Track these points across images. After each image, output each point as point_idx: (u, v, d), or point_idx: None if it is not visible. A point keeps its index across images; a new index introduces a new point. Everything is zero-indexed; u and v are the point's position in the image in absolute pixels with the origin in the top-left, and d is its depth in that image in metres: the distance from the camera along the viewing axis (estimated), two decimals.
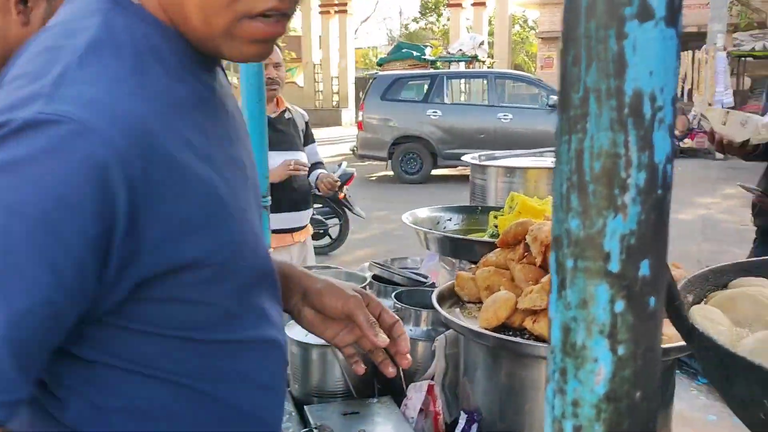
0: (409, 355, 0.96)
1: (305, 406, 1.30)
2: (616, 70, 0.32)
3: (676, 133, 14.55)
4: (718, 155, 13.75)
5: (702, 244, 6.74)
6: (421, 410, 1.25)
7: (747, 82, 17.60)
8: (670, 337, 1.02)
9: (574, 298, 0.35)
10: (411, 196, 9.88)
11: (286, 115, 3.12)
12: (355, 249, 7.12)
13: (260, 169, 2.01)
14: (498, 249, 1.32)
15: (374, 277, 1.64)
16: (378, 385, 1.38)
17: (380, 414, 1.27)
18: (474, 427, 1.15)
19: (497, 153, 2.16)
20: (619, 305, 0.34)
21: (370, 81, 12.22)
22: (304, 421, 1.29)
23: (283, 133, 3.02)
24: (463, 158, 2.20)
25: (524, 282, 1.20)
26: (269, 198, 2.00)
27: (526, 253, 1.26)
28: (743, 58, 16.44)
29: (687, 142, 14.81)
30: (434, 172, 11.86)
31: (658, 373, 0.36)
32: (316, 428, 1.20)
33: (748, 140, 1.98)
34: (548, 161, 2.20)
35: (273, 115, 3.03)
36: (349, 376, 1.35)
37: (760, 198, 1.97)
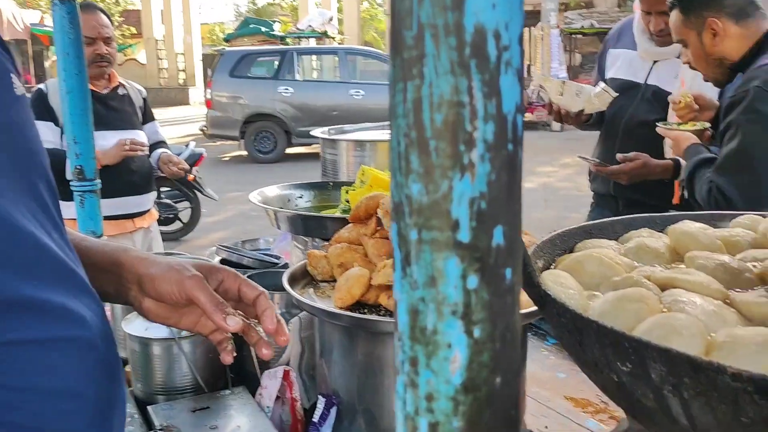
0: (285, 333, 0.86)
1: (149, 407, 1.19)
2: (453, 1, 0.27)
3: None
4: (555, 127, 14.75)
5: (545, 210, 7.18)
6: (277, 398, 1.19)
7: (578, 58, 18.92)
8: (523, 303, 1.02)
9: (421, 275, 0.30)
10: (266, 176, 9.66)
11: (120, 91, 2.86)
12: (209, 232, 6.85)
13: (84, 150, 1.81)
14: (350, 225, 1.27)
15: (222, 261, 1.54)
16: (231, 375, 1.29)
17: (233, 407, 1.19)
18: (333, 410, 1.10)
19: (347, 127, 2.11)
20: (473, 281, 0.29)
21: (218, 57, 11.76)
22: (148, 422, 1.17)
23: (116, 111, 2.78)
24: (312, 133, 2.13)
25: (377, 257, 1.17)
26: (98, 181, 1.82)
27: (378, 228, 1.22)
28: (574, 36, 17.60)
29: (527, 116, 15.72)
30: (289, 150, 11.69)
31: (518, 354, 0.32)
32: (161, 429, 1.10)
33: (582, 110, 2.07)
34: None
35: (105, 92, 2.78)
36: (197, 369, 1.25)
37: (597, 167, 2.09)
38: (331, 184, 1.77)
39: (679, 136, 1.80)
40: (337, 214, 1.51)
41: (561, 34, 16.00)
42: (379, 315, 1.08)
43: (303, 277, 1.24)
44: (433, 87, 0.28)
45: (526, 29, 16.06)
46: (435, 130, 0.28)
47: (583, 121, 2.20)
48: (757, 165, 1.57)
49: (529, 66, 16.26)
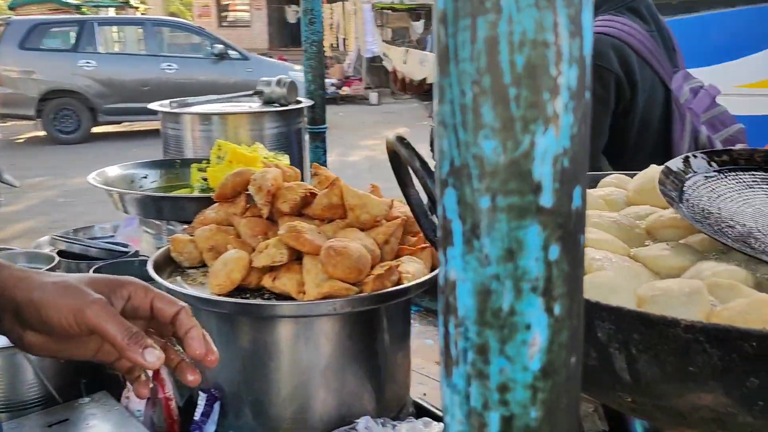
0: (214, 351, 0.70)
1: None
2: None
3: (335, 81, 15.51)
4: (373, 101, 15.06)
5: (372, 182, 7.31)
6: (147, 399, 1.07)
7: (389, 32, 19.42)
8: (414, 274, 1.01)
9: (495, 248, 0.25)
10: (72, 157, 8.83)
11: None
12: (10, 223, 6.12)
13: None
14: (216, 204, 1.17)
15: (60, 253, 1.35)
16: (84, 380, 1.14)
17: (97, 415, 1.06)
18: (216, 405, 1.01)
19: (190, 99, 1.96)
20: (554, 251, 0.25)
21: (3, 27, 10.44)
22: None
23: None
24: (150, 106, 1.95)
25: (252, 237, 1.08)
26: None
27: (249, 206, 1.14)
28: (385, 11, 18.01)
29: (345, 90, 15.88)
30: (95, 129, 10.76)
31: (583, 329, 0.29)
32: None
33: (425, 78, 2.10)
34: (246, 106, 2.07)
35: None
36: (47, 378, 1.09)
37: None
38: (179, 161, 1.63)
39: None
40: (196, 193, 1.39)
41: (373, 9, 16.30)
42: (264, 299, 1.00)
43: (167, 265, 1.13)
44: (513, 23, 0.23)
45: (339, 4, 16.16)
46: (515, 76, 0.24)
47: (425, 90, 2.23)
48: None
49: (344, 40, 16.40)
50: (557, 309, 0.26)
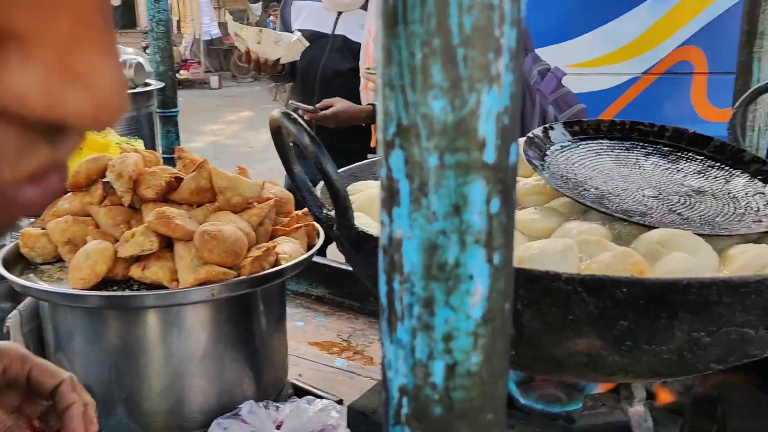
0: (94, 423, 0.68)
1: None
2: None
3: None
4: (213, 84, 14.57)
5: (219, 168, 7.10)
6: None
7: (226, 14, 18.84)
8: (290, 255, 1.01)
9: (443, 205, 0.27)
10: None
11: None
12: None
13: None
14: (69, 194, 1.09)
15: None
16: None
17: None
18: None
19: None
20: (495, 204, 0.27)
21: None
22: None
23: None
24: None
25: (114, 227, 1.02)
26: None
27: (107, 194, 1.07)
28: None
29: (183, 74, 15.21)
30: None
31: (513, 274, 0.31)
32: None
33: (279, 59, 2.08)
34: None
35: None
36: None
37: (310, 114, 2.11)
38: None
39: None
40: None
41: None
42: (133, 290, 0.95)
43: (16, 263, 1.03)
44: None
45: None
46: (464, 37, 0.25)
47: (278, 71, 2.20)
48: None
49: (178, 22, 15.67)
50: (496, 259, 0.28)
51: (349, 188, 0.90)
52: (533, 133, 0.87)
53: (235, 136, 8.91)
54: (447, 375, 0.28)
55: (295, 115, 0.64)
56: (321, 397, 1.09)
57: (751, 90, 0.97)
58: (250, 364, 1.07)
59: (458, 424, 0.29)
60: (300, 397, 1.11)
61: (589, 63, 2.77)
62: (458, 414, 0.29)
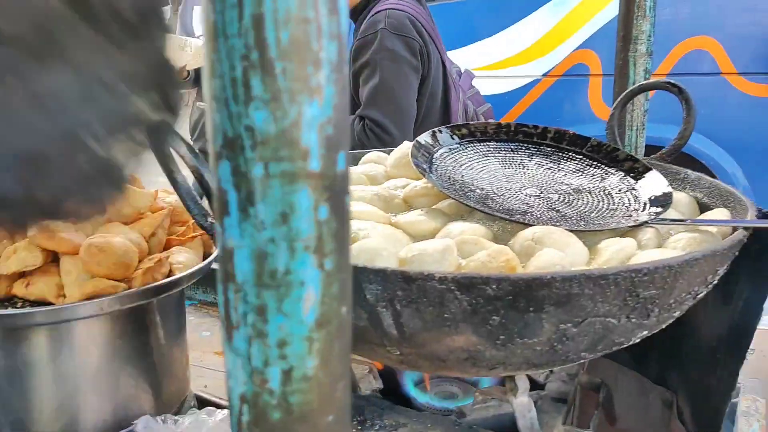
0: None
1: None
2: None
3: None
4: None
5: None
6: None
7: None
8: (185, 265, 0.99)
9: (270, 213, 0.27)
10: None
11: None
12: None
13: None
14: None
15: None
16: None
17: None
18: None
19: None
20: (323, 211, 0.28)
21: None
22: None
23: None
24: None
25: None
26: None
27: None
28: None
29: None
30: None
31: (351, 281, 0.32)
32: None
33: (185, 65, 2.03)
34: None
35: None
36: None
37: None
38: None
39: None
40: None
41: None
42: (17, 308, 0.91)
43: None
44: (277, 1, 0.25)
45: None
46: (281, 50, 0.26)
47: (183, 78, 2.15)
48: (397, 95, 1.81)
49: None
50: (328, 264, 0.29)
51: None
52: (421, 139, 0.89)
53: None
54: (283, 380, 0.29)
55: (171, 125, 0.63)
56: (224, 407, 1.08)
57: (626, 92, 1.03)
58: (147, 379, 1.04)
59: (298, 428, 0.29)
60: (204, 408, 1.09)
61: (491, 66, 2.86)
62: (297, 418, 0.29)
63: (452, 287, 0.56)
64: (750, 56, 2.74)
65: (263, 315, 0.28)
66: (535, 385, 0.89)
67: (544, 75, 2.82)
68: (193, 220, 1.09)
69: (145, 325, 1.03)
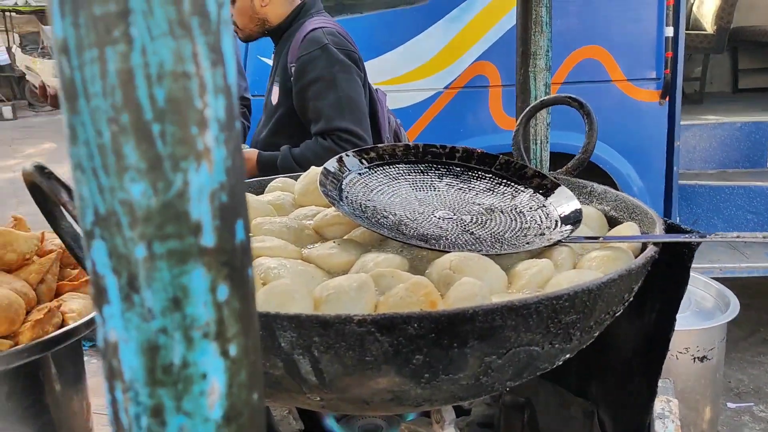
0: None
1: None
2: None
3: None
4: (7, 115, 13.22)
5: (20, 207, 6.43)
6: None
7: (17, 38, 17.20)
8: (80, 312, 0.91)
9: (159, 300, 0.23)
10: None
11: None
12: None
13: None
14: None
15: None
16: None
17: None
18: None
19: None
20: (223, 291, 0.24)
21: None
22: None
23: None
24: None
25: None
26: None
27: None
28: (8, 13, 15.88)
29: None
30: None
31: (261, 362, 0.28)
32: None
33: None
34: None
35: None
36: None
37: None
38: None
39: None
40: None
41: None
42: None
43: None
44: (148, 54, 0.21)
45: None
46: (158, 111, 0.22)
47: None
48: (359, 103, 1.83)
49: None
50: (233, 350, 0.25)
51: None
52: (329, 165, 0.86)
53: None
54: None
55: (49, 169, 0.57)
56: None
57: (528, 108, 1.04)
58: None
59: None
60: None
61: (393, 80, 2.86)
62: None
63: (372, 329, 0.53)
64: (637, 64, 2.89)
65: (159, 416, 0.24)
66: (460, 411, 0.87)
67: (446, 87, 2.85)
68: None
69: (39, 381, 0.94)
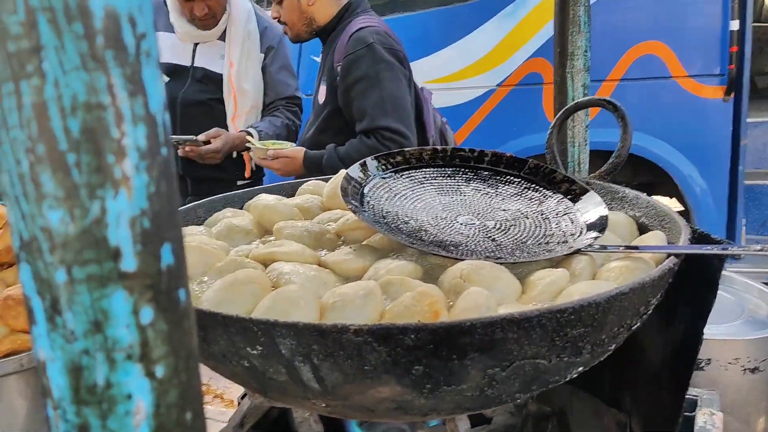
0: None
1: None
2: None
3: None
4: None
5: None
6: None
7: None
8: None
9: (80, 323, 0.24)
10: None
11: None
12: None
13: None
14: None
15: None
16: None
17: None
18: None
19: None
20: (147, 313, 0.25)
21: None
22: None
23: None
24: None
25: None
26: None
27: None
28: None
29: None
30: None
31: (200, 380, 0.28)
32: None
33: None
34: None
35: None
36: None
37: (194, 148, 2.03)
38: None
39: (285, 157, 1.88)
40: None
41: None
42: None
43: None
44: (60, 86, 0.22)
45: None
46: (72, 141, 0.23)
47: None
48: (402, 101, 1.84)
49: None
50: (160, 371, 0.25)
51: (211, 218, 0.91)
52: (351, 172, 0.86)
53: None
54: None
55: None
56: None
57: (563, 110, 1.02)
58: None
59: None
60: None
61: (446, 78, 2.84)
62: None
63: (369, 339, 0.53)
64: (700, 59, 2.78)
65: None
66: (482, 419, 0.86)
67: (498, 85, 2.81)
68: None
69: None
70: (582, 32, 1.12)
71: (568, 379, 0.64)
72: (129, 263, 0.24)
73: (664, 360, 0.80)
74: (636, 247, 0.70)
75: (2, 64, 0.22)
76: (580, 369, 0.63)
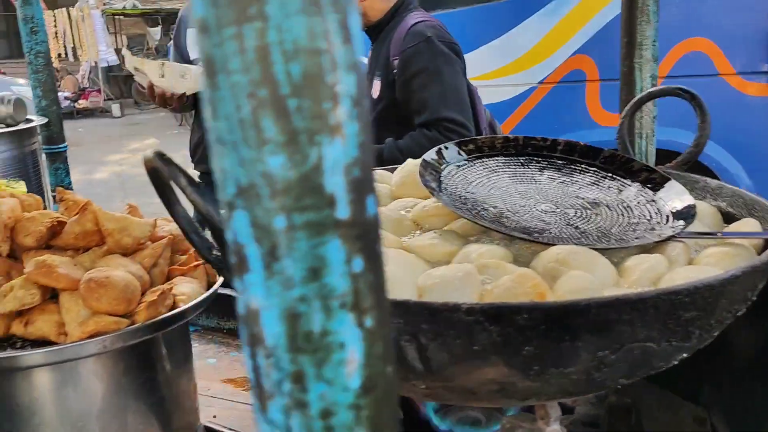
0: None
1: None
2: None
3: (69, 94, 14.17)
4: (116, 113, 14.05)
5: (128, 200, 6.81)
6: None
7: (124, 39, 18.22)
8: (189, 295, 0.95)
9: (299, 269, 0.24)
10: None
11: None
12: None
13: None
14: None
15: None
16: None
17: None
18: None
19: None
20: (358, 263, 0.25)
21: None
22: None
23: None
24: None
25: None
26: None
27: None
28: (117, 17, 16.85)
29: (82, 103, 14.61)
30: None
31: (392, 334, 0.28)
32: None
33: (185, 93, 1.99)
34: None
35: None
36: None
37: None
38: None
39: None
40: None
41: (103, 15, 15.17)
42: (16, 348, 0.87)
43: None
44: (283, 31, 0.22)
45: (62, 10, 14.78)
46: (294, 86, 0.22)
47: (182, 102, 2.11)
48: (462, 94, 1.86)
49: (74, 49, 15.05)
50: (368, 322, 0.25)
51: None
52: (427, 157, 0.86)
53: (141, 165, 8.58)
54: None
55: (168, 155, 0.60)
56: None
57: (635, 100, 1.00)
58: (155, 414, 1.00)
59: None
60: None
61: (487, 75, 2.83)
62: None
63: (481, 318, 0.53)
64: (747, 56, 2.73)
65: (301, 383, 0.25)
66: (563, 409, 0.85)
67: (540, 82, 2.79)
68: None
69: (151, 359, 0.99)
70: (651, 22, 1.10)
71: (671, 365, 0.62)
72: (343, 211, 0.24)
73: (756, 354, 0.78)
74: (738, 234, 0.68)
75: (225, 8, 0.22)
76: (684, 355, 0.62)
